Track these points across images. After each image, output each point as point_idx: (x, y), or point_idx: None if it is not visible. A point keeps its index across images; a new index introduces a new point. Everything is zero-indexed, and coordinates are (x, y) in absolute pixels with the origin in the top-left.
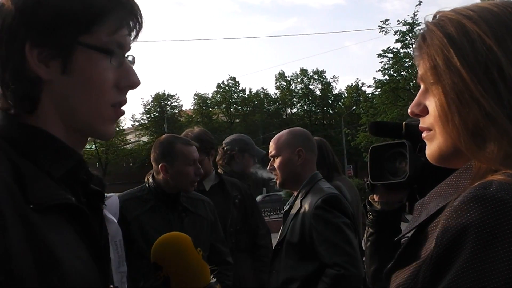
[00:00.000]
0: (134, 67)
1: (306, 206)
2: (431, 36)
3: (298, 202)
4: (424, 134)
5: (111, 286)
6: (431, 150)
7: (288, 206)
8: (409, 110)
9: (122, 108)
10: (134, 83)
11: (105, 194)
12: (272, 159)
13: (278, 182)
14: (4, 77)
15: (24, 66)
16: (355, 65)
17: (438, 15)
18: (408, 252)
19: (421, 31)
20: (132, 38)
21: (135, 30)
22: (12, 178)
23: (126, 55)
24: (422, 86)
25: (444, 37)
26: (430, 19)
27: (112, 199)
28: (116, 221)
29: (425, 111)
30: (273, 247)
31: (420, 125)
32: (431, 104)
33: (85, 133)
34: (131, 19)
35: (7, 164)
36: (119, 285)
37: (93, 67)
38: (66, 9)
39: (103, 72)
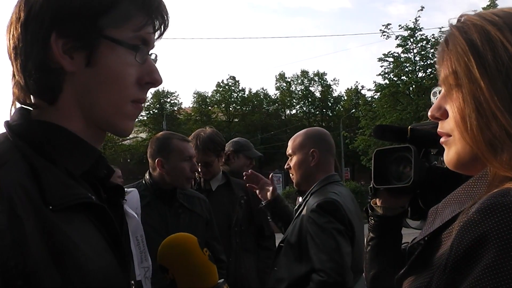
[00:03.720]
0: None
1: (306, 208)
2: (454, 41)
3: (304, 202)
4: (442, 140)
5: (132, 282)
6: (449, 156)
7: (297, 206)
8: (429, 113)
9: (141, 105)
10: (156, 80)
11: (125, 189)
12: (289, 158)
13: (294, 182)
14: (27, 65)
15: (48, 56)
16: (359, 68)
17: (462, 19)
18: (422, 258)
19: (445, 34)
20: (157, 36)
21: (161, 28)
22: (29, 180)
23: (149, 53)
24: (443, 89)
25: (466, 44)
26: (454, 22)
27: (133, 193)
28: (136, 215)
29: (445, 115)
30: (278, 245)
31: (438, 129)
32: (451, 109)
33: (103, 127)
34: (158, 16)
35: (24, 165)
36: (143, 280)
37: (118, 62)
38: (94, 2)
39: (127, 67)
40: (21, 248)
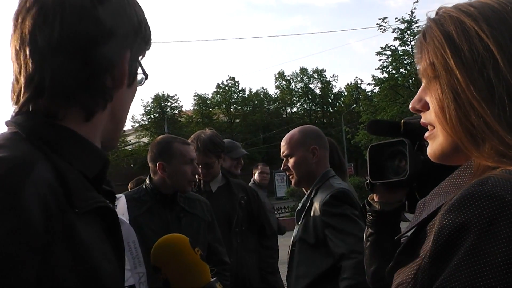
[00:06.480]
0: None
1: (316, 204)
2: (431, 34)
3: (309, 200)
4: (426, 134)
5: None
6: (433, 148)
7: (301, 205)
8: (410, 106)
9: None
10: None
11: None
12: (285, 159)
13: (293, 181)
14: (92, 79)
15: (114, 73)
16: (359, 63)
17: (440, 11)
18: (408, 250)
19: (423, 27)
20: None
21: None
22: (56, 181)
23: None
24: (423, 82)
25: (442, 36)
26: (432, 15)
27: (121, 199)
28: (127, 221)
29: (426, 107)
30: (290, 249)
31: (421, 121)
32: (431, 100)
33: (109, 140)
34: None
35: (49, 165)
36: (138, 285)
37: (137, 83)
38: (149, 31)
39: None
40: (51, 251)
